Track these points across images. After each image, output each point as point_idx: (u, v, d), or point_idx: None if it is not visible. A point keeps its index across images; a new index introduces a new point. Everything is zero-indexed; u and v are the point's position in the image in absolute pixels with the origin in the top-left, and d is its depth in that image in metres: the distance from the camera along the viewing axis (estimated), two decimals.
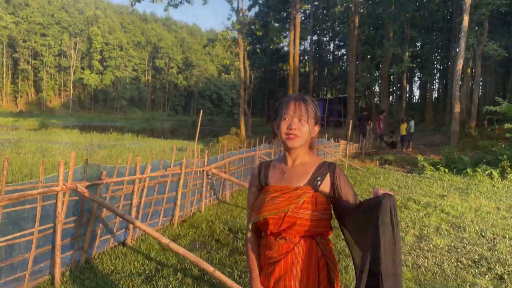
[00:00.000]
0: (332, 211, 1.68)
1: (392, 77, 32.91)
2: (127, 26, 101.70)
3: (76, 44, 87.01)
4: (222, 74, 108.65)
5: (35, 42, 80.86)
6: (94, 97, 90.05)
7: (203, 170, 6.80)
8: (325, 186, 1.64)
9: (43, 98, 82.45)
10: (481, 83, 23.78)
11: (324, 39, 47.83)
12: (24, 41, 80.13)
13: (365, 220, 1.47)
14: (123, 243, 4.97)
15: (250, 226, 1.76)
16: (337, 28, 41.70)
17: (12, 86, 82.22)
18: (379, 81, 32.05)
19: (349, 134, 15.59)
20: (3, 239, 3.23)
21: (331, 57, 48.62)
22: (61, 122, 52.05)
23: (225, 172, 7.86)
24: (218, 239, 5.42)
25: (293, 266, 1.59)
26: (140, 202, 5.14)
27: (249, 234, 1.79)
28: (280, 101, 1.71)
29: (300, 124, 1.63)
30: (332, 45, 48.60)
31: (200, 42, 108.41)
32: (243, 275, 4.03)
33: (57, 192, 3.60)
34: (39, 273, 3.71)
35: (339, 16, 37.61)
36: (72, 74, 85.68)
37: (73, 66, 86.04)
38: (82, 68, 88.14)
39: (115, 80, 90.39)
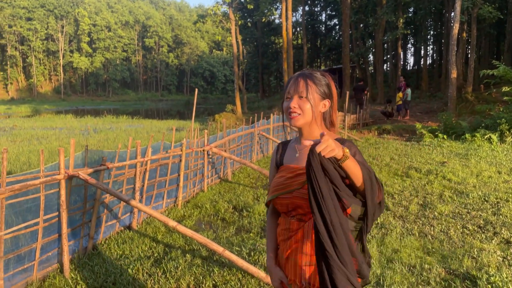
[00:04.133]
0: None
1: (386, 45, 32.53)
2: (114, 6, 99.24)
3: (63, 27, 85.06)
4: (214, 50, 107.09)
5: (21, 27, 78.99)
6: (85, 81, 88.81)
7: (203, 150, 6.75)
8: None
9: (33, 84, 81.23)
10: (475, 47, 23.50)
11: (316, 9, 46.95)
12: (10, 26, 78.20)
13: None
14: (129, 227, 4.96)
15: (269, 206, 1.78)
16: None
17: (1, 73, 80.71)
18: (373, 50, 31.65)
19: (346, 105, 15.50)
20: (8, 230, 3.18)
21: (323, 28, 47.90)
22: (54, 108, 51.48)
23: (225, 151, 7.82)
24: (223, 218, 5.41)
25: (303, 243, 1.56)
26: (143, 186, 5.10)
27: (268, 214, 1.81)
28: (288, 79, 1.66)
29: (301, 101, 1.56)
30: (324, 15, 47.79)
31: (189, 19, 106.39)
32: (251, 253, 4.03)
33: (59, 181, 3.54)
34: (47, 262, 3.69)
35: None
36: (61, 58, 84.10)
37: (61, 49, 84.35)
38: (71, 52, 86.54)
39: (106, 62, 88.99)
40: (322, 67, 48.48)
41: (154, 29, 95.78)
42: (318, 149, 1.20)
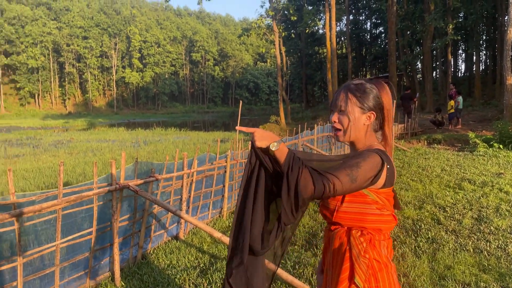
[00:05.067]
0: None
1: (434, 52, 31.40)
2: (163, 23, 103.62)
3: (116, 44, 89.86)
4: (258, 62, 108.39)
5: (77, 45, 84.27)
6: (136, 95, 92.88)
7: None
8: None
9: (89, 99, 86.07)
10: None
11: (361, 18, 46.34)
12: (68, 45, 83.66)
13: None
14: (176, 237, 5.09)
15: None
16: (374, 6, 40.24)
17: (60, 89, 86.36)
18: (421, 58, 30.64)
19: (393, 114, 15.06)
20: (64, 240, 3.38)
21: (368, 36, 47.12)
22: (107, 121, 54.15)
23: None
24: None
25: (328, 252, 1.60)
26: (190, 196, 5.23)
27: None
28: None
29: (341, 115, 1.56)
30: (369, 23, 47.03)
31: (234, 32, 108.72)
32: (296, 266, 4.00)
33: (111, 192, 3.72)
34: (99, 271, 3.86)
35: None
36: (114, 73, 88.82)
37: (114, 66, 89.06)
38: (123, 67, 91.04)
39: (155, 76, 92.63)
40: (368, 76, 47.52)
41: (201, 43, 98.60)
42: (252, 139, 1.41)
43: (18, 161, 12.86)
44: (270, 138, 1.39)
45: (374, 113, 1.58)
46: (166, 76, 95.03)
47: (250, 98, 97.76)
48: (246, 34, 28.89)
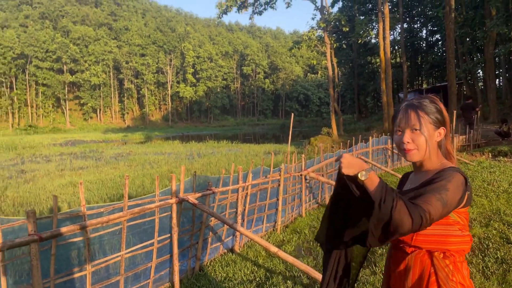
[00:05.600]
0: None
1: (497, 59, 29.61)
2: (215, 38, 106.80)
3: (171, 61, 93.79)
4: (308, 74, 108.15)
5: (136, 63, 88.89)
6: (190, 108, 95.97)
7: (301, 175, 6.77)
8: None
9: (146, 113, 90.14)
10: None
11: (416, 26, 44.86)
12: (127, 62, 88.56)
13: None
14: (232, 250, 5.14)
15: None
16: (429, 13, 38.84)
17: (119, 104, 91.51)
18: (483, 65, 29.00)
19: (453, 125, 14.36)
20: (128, 250, 3.53)
21: (424, 45, 45.45)
22: (163, 134, 56.27)
23: (322, 175, 7.75)
24: None
25: (403, 277, 1.52)
26: (244, 210, 5.28)
27: None
28: (395, 110, 1.62)
29: (414, 135, 1.50)
30: (425, 31, 45.39)
31: (284, 45, 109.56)
32: (355, 285, 3.89)
33: (171, 205, 3.84)
34: (160, 281, 3.99)
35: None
36: (169, 88, 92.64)
37: (169, 81, 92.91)
38: (178, 82, 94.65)
39: (207, 90, 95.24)
40: (424, 86, 45.77)
41: (251, 57, 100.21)
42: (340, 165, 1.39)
43: (83, 173, 13.68)
44: (358, 165, 1.36)
45: (444, 128, 1.54)
46: (218, 90, 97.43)
47: (301, 110, 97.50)
48: (296, 46, 28.89)
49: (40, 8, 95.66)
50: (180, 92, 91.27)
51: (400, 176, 1.79)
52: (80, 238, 3.15)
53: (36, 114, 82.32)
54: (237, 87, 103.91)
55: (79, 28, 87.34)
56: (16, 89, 79.97)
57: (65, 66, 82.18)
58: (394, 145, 1.61)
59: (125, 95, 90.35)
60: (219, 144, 27.03)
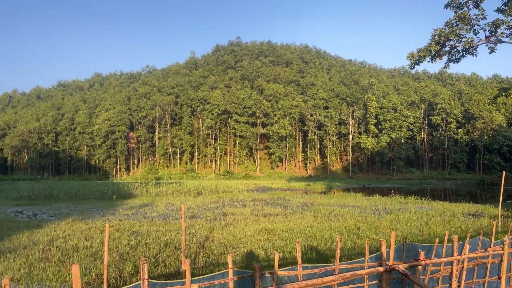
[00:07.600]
0: None
1: None
2: (400, 88, 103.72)
3: (353, 112, 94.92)
4: None
5: (319, 115, 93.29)
6: (371, 159, 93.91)
7: None
8: None
9: (327, 163, 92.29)
10: None
11: None
12: (311, 115, 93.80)
13: None
14: None
15: None
16: None
17: (303, 154, 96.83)
18: None
19: None
20: None
21: None
22: (343, 185, 56.13)
23: None
24: None
25: None
26: (459, 286, 4.59)
27: None
28: None
29: None
30: None
31: (481, 92, 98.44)
32: None
33: (381, 272, 3.60)
34: None
35: None
36: (350, 139, 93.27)
37: (351, 132, 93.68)
38: (359, 133, 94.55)
39: (390, 141, 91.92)
40: None
41: (441, 105, 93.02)
42: None
43: (274, 220, 14.52)
44: None
45: None
46: (402, 141, 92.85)
47: (504, 164, 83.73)
48: (504, 94, 25.35)
49: (241, 70, 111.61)
50: (362, 143, 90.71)
51: None
52: None
53: (233, 161, 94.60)
54: (424, 138, 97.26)
55: (271, 86, 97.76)
56: (219, 140, 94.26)
57: (258, 120, 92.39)
58: None
59: (308, 145, 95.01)
60: (406, 200, 25.20)
